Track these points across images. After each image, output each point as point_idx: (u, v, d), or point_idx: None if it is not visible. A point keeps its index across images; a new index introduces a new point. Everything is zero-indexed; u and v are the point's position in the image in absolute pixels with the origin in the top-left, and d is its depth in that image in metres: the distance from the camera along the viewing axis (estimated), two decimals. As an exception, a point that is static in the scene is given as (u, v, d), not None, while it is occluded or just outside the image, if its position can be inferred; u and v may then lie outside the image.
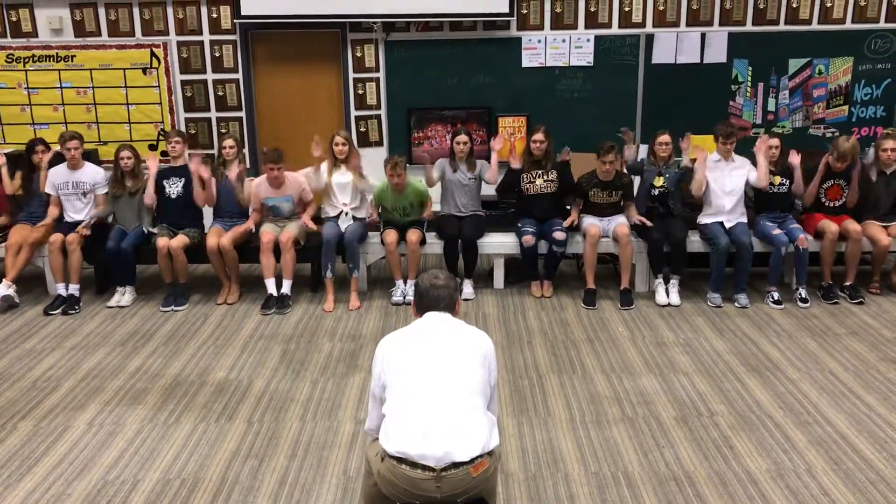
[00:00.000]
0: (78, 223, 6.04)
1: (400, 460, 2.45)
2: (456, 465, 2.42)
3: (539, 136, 5.99)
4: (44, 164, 6.18)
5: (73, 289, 5.89)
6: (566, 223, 5.99)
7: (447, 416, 2.49)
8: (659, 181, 6.01)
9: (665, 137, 6.00)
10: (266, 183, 5.96)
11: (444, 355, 2.62)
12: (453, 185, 6.18)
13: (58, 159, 6.21)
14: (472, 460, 2.44)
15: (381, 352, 2.70)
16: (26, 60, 7.36)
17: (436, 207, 6.28)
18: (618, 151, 5.94)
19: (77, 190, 6.09)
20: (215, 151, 6.27)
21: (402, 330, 2.78)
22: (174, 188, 6.06)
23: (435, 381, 2.56)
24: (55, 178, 6.10)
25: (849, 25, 7.26)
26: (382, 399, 2.63)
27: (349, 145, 6.01)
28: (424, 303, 2.79)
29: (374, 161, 6.99)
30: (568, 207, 6.23)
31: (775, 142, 5.93)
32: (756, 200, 6.06)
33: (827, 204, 6.01)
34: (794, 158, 5.98)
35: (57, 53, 7.35)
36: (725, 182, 5.93)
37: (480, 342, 2.71)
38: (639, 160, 6.29)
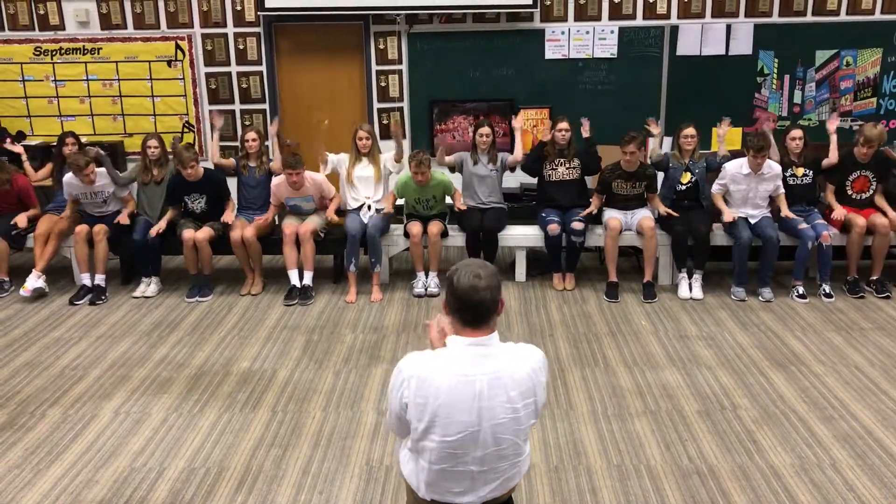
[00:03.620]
0: (101, 219, 6.07)
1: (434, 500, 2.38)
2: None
3: (564, 124, 6.01)
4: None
5: (100, 279, 5.96)
6: (585, 212, 5.96)
7: (486, 475, 2.28)
8: (686, 177, 5.96)
9: (690, 130, 5.96)
10: (286, 184, 5.97)
11: (488, 416, 2.21)
12: (474, 177, 6.18)
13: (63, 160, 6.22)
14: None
15: (406, 388, 2.24)
16: (53, 53, 7.45)
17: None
18: (641, 143, 5.89)
19: (96, 199, 6.10)
20: (238, 144, 6.31)
21: (434, 364, 2.23)
22: (197, 204, 6.04)
23: (475, 445, 2.23)
24: (72, 190, 6.06)
25: (878, 16, 7.16)
26: (407, 423, 2.30)
27: (372, 139, 6.04)
28: (462, 309, 2.21)
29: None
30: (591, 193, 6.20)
31: (798, 133, 5.87)
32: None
33: (853, 196, 5.94)
34: (832, 124, 5.96)
35: (83, 46, 7.43)
36: (749, 196, 5.86)
37: (529, 375, 2.25)
38: (663, 153, 6.21)
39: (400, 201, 6.23)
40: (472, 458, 2.26)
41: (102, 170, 6.12)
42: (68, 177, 6.04)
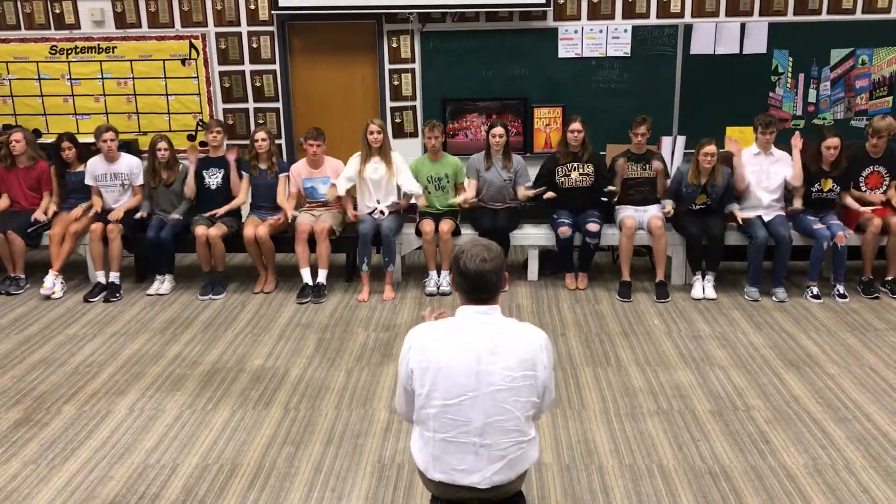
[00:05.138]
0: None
1: (442, 483, 2.43)
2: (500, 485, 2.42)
3: (576, 125, 5.94)
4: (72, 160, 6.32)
5: (114, 276, 6.00)
6: (609, 189, 5.96)
7: (489, 450, 2.36)
8: (701, 199, 5.88)
9: (711, 148, 5.68)
10: (305, 164, 6.04)
11: (486, 381, 2.34)
12: (487, 183, 6.14)
13: (94, 151, 6.33)
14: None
15: (412, 354, 2.41)
16: (69, 52, 7.50)
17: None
18: (650, 125, 5.91)
19: (116, 181, 6.21)
20: (248, 143, 6.33)
21: (438, 332, 2.42)
22: (213, 179, 6.15)
23: (474, 412, 2.34)
24: (94, 170, 6.22)
25: (894, 15, 7.10)
26: (413, 394, 2.45)
27: (384, 134, 5.99)
28: (469, 287, 2.39)
29: (408, 152, 7.02)
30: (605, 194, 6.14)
31: (835, 142, 5.67)
32: (804, 201, 5.87)
33: (867, 192, 5.90)
34: (797, 142, 5.79)
35: (98, 45, 7.47)
36: (762, 178, 5.84)
37: (529, 349, 2.40)
38: (675, 171, 6.16)
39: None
40: (472, 429, 2.35)
41: (128, 156, 6.29)
42: (92, 160, 6.22)
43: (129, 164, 6.24)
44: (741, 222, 5.75)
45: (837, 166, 5.78)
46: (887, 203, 5.84)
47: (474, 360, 2.34)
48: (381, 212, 6.00)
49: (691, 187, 5.86)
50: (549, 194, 5.98)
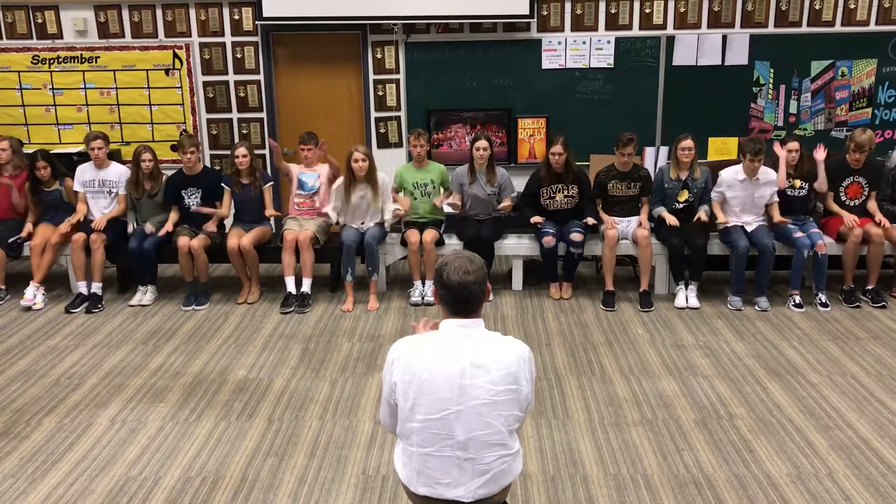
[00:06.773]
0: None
1: (427, 497, 2.42)
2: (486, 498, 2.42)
3: (557, 148, 5.91)
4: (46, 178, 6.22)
5: (96, 287, 5.95)
6: (589, 222, 5.92)
7: (473, 464, 2.35)
8: (683, 195, 5.95)
9: (688, 143, 5.87)
10: (300, 166, 6.20)
11: (470, 395, 2.32)
12: (471, 197, 6.15)
13: (84, 158, 6.30)
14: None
15: (396, 367, 2.39)
16: (51, 62, 7.45)
17: (451, 210, 6.27)
18: (637, 144, 5.93)
19: (103, 188, 6.17)
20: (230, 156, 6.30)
21: (422, 346, 2.40)
22: (193, 199, 6.10)
23: (458, 426, 2.33)
24: (82, 176, 6.19)
25: (873, 27, 7.19)
26: (396, 407, 2.44)
27: (369, 161, 5.87)
28: (452, 299, 2.36)
29: (393, 163, 7.02)
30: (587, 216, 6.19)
31: (795, 145, 5.86)
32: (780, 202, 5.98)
33: (847, 203, 5.96)
34: (819, 154, 5.91)
35: (81, 55, 7.43)
36: (747, 202, 5.88)
37: (513, 362, 2.37)
38: (657, 171, 6.21)
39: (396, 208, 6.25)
40: (456, 443, 2.34)
41: (118, 164, 6.27)
42: (81, 166, 6.20)
43: (119, 173, 6.20)
44: (704, 219, 5.84)
45: (801, 168, 5.90)
46: (860, 210, 5.92)
47: (458, 373, 2.32)
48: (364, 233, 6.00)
49: (672, 182, 5.93)
50: (536, 219, 6.01)
